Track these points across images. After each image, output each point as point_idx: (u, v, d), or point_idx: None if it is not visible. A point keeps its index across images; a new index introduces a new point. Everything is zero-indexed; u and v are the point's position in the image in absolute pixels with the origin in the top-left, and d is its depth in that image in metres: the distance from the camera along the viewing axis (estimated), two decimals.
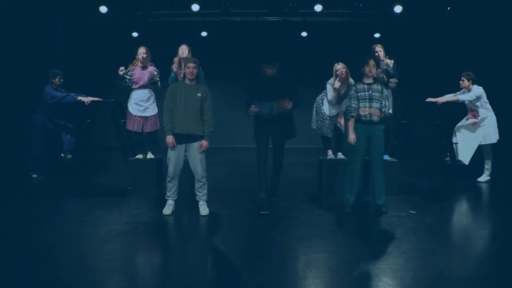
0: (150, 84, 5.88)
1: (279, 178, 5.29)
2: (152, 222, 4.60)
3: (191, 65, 4.65)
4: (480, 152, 6.41)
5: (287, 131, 5.11)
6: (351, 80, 5.60)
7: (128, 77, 5.81)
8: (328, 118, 5.78)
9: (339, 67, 5.60)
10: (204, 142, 4.68)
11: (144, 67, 5.84)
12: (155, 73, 5.86)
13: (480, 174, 6.51)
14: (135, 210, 5.00)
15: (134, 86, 5.84)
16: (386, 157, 5.66)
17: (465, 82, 6.27)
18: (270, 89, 4.93)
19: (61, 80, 6.61)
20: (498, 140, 6.30)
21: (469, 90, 6.25)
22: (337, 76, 5.60)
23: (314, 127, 5.95)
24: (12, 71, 7.43)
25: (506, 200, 5.64)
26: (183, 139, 4.66)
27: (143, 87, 5.83)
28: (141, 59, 5.81)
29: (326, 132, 5.83)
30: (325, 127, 5.81)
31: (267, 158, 5.11)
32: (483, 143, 6.29)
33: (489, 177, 6.47)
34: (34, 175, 6.67)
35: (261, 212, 4.85)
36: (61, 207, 5.20)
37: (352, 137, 4.78)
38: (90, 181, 6.47)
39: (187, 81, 4.71)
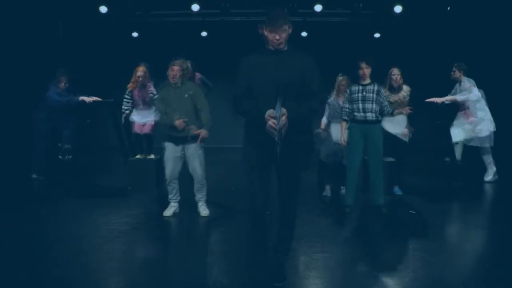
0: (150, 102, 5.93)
1: (290, 237, 3.23)
2: (152, 222, 4.60)
3: (175, 68, 4.59)
4: (479, 155, 6.39)
5: (301, 156, 2.97)
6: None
7: (127, 97, 5.88)
8: (335, 143, 5.37)
9: (344, 82, 5.47)
10: (203, 132, 4.53)
11: (142, 87, 5.88)
12: (151, 95, 5.88)
13: (481, 174, 6.50)
14: (135, 210, 5.00)
15: (136, 106, 5.95)
16: (398, 191, 5.67)
17: (456, 73, 6.26)
18: (273, 73, 2.84)
19: (67, 85, 6.51)
20: (492, 145, 6.24)
21: (460, 82, 6.23)
22: (339, 89, 5.48)
23: (324, 159, 5.55)
24: (12, 71, 7.43)
25: (506, 200, 5.63)
26: (179, 140, 4.61)
27: (143, 105, 5.92)
28: (139, 80, 5.83)
29: (334, 160, 5.43)
30: (333, 155, 5.46)
31: (268, 205, 3.01)
32: (477, 145, 6.25)
33: (496, 176, 6.38)
34: (34, 175, 6.61)
35: None
36: (61, 207, 5.19)
37: (343, 137, 4.88)
38: (90, 181, 6.47)
39: (172, 84, 4.64)
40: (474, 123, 6.23)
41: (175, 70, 4.58)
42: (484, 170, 6.46)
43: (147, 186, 5.85)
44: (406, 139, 5.58)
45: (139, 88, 5.88)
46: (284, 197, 3.06)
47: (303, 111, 2.83)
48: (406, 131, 5.53)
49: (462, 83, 6.23)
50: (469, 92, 6.14)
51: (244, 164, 3.05)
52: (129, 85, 5.90)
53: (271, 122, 2.67)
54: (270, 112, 2.69)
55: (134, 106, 5.98)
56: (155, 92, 5.84)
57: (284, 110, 2.67)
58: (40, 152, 6.58)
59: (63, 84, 6.50)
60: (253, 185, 2.99)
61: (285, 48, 2.94)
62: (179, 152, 4.68)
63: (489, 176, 6.40)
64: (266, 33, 2.89)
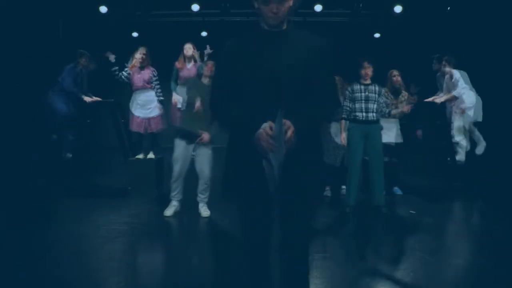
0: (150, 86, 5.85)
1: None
2: (152, 222, 4.60)
3: (210, 63, 4.61)
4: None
5: (311, 182, 2.07)
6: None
7: (125, 74, 5.81)
8: (338, 145, 5.29)
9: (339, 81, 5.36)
10: (205, 135, 4.53)
11: (142, 68, 5.82)
12: (153, 76, 5.83)
13: (481, 175, 6.49)
14: (135, 210, 5.00)
15: (134, 88, 5.84)
16: (398, 191, 5.66)
17: (447, 66, 6.09)
18: (270, 63, 1.94)
19: (87, 62, 6.31)
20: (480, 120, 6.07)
21: (451, 75, 6.04)
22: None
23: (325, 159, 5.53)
24: (11, 72, 7.43)
25: (506, 200, 5.63)
26: (192, 138, 4.56)
27: (144, 89, 5.83)
28: (140, 60, 5.78)
29: (334, 161, 5.42)
30: (333, 155, 5.42)
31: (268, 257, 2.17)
32: (473, 120, 6.08)
33: (484, 143, 6.16)
34: (69, 155, 6.38)
35: None
36: (61, 207, 5.20)
37: (343, 136, 4.88)
38: (90, 181, 6.47)
39: (204, 80, 4.64)
40: (467, 109, 6.12)
41: (210, 64, 4.59)
42: (482, 168, 6.45)
43: (147, 186, 5.85)
44: (400, 140, 5.56)
45: (139, 69, 5.81)
46: (291, 243, 2.04)
47: (314, 120, 1.98)
48: (407, 108, 5.44)
49: (453, 77, 6.02)
50: (458, 83, 5.97)
51: (236, 202, 2.16)
52: (129, 66, 5.85)
53: (267, 144, 1.80)
54: (267, 129, 1.82)
55: (132, 89, 5.87)
56: (156, 74, 5.84)
57: (288, 124, 1.82)
58: (70, 135, 6.29)
59: (84, 59, 6.25)
60: (250, 232, 2.19)
61: (285, 27, 2.01)
62: (190, 151, 4.66)
63: (480, 149, 6.20)
64: (258, 5, 1.96)
